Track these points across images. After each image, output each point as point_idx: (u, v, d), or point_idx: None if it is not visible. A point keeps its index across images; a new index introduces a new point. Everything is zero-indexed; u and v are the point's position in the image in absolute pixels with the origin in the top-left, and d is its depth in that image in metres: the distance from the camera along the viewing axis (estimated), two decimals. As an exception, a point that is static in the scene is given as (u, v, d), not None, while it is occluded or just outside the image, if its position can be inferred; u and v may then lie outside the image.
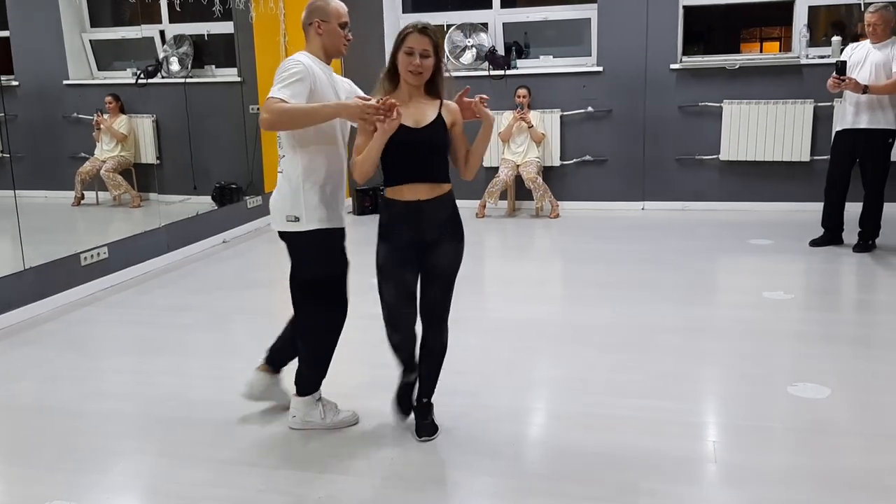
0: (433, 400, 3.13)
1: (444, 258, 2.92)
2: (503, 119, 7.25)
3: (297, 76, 2.82)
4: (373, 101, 2.70)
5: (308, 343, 3.16)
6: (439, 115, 2.87)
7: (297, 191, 2.93)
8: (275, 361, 3.30)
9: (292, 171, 2.95)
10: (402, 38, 2.81)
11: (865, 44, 5.47)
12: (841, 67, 5.34)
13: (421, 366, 3.09)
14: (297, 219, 2.94)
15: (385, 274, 2.91)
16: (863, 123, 5.40)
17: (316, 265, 3.04)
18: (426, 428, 3.08)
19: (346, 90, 3.09)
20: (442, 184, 2.88)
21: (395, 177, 2.85)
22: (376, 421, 3.22)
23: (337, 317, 3.14)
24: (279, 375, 3.32)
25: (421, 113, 2.85)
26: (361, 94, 3.02)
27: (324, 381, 3.20)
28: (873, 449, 2.86)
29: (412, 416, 3.16)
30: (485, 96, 2.91)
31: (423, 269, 2.92)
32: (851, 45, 5.65)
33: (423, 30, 2.79)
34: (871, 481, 2.64)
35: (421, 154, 2.84)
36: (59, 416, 3.35)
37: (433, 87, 2.88)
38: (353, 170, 2.82)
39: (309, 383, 3.18)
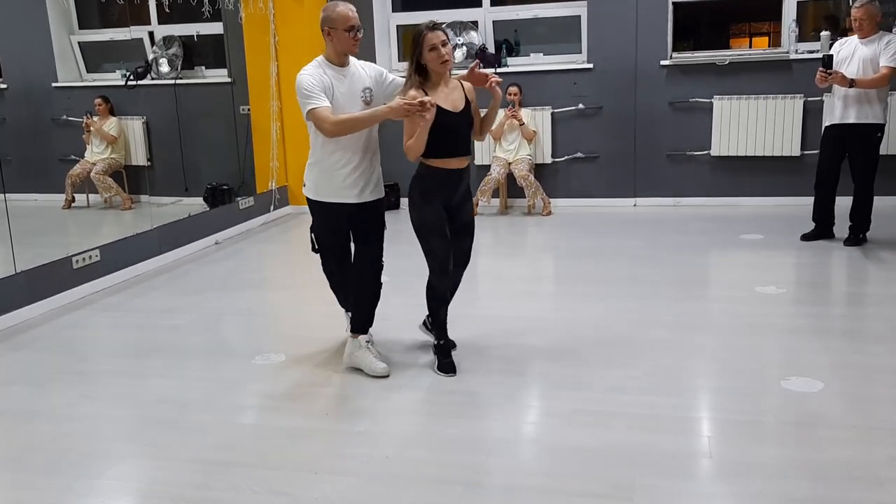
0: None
1: (468, 215, 3.63)
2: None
3: (311, 87, 3.34)
4: (412, 101, 3.25)
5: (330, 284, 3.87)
6: (467, 98, 3.48)
7: (310, 165, 3.60)
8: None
9: (312, 149, 3.58)
10: (421, 40, 3.34)
11: (853, 39, 5.48)
12: (827, 61, 5.35)
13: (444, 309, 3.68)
14: (304, 185, 3.64)
15: (434, 231, 3.49)
16: (851, 118, 5.41)
17: (317, 227, 3.68)
18: (447, 366, 3.62)
19: (373, 77, 3.58)
20: (469, 156, 3.55)
21: (442, 151, 3.42)
22: (371, 420, 3.22)
23: (335, 273, 3.79)
24: (359, 338, 3.68)
25: (455, 98, 3.45)
26: (386, 73, 3.63)
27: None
28: (867, 441, 2.87)
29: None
30: (498, 79, 3.47)
31: (452, 226, 3.53)
32: (840, 41, 5.66)
33: (435, 26, 3.38)
34: (865, 474, 2.65)
35: (462, 132, 3.49)
36: (52, 420, 3.34)
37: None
38: (407, 152, 3.40)
39: (352, 323, 3.74)
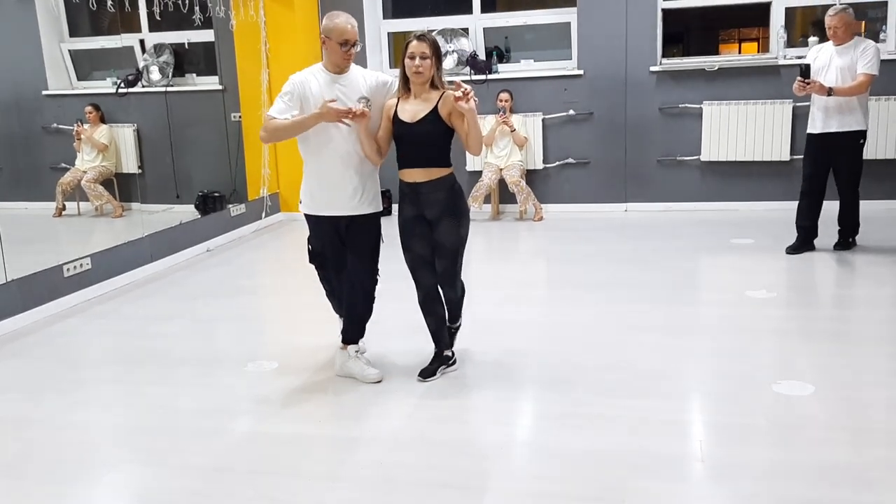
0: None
1: (444, 235, 3.47)
2: (485, 123, 7.27)
3: (284, 93, 3.42)
4: (342, 109, 3.32)
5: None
6: (435, 108, 3.38)
7: (304, 180, 3.61)
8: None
9: (304, 163, 3.58)
10: (405, 47, 3.36)
11: (828, 46, 5.44)
12: (805, 71, 5.29)
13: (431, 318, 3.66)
14: (301, 202, 3.67)
15: (401, 243, 3.55)
16: (834, 127, 5.36)
17: (313, 239, 3.69)
18: (426, 371, 3.62)
19: (372, 86, 3.54)
20: (436, 168, 3.43)
21: (400, 162, 3.47)
22: (366, 426, 3.23)
23: (332, 282, 3.78)
24: (349, 349, 3.71)
25: (419, 108, 3.40)
26: (391, 83, 3.57)
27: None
28: (857, 443, 2.89)
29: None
30: (463, 91, 3.24)
31: (432, 242, 3.49)
32: (815, 48, 5.63)
33: (421, 37, 3.36)
34: (855, 475, 2.67)
35: (414, 144, 3.41)
36: (46, 428, 3.33)
37: (435, 81, 3.42)
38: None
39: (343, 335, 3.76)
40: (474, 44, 7.72)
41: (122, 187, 6.27)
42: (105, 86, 6.30)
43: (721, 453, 2.87)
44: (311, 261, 3.77)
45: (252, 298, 5.32)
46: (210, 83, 7.19)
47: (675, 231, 6.53)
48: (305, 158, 3.58)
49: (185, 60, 6.98)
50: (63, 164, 5.92)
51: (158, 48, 6.74)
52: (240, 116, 7.31)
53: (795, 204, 5.68)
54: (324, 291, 3.91)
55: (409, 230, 3.51)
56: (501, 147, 7.25)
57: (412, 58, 3.33)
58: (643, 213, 7.31)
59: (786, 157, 6.98)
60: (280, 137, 3.52)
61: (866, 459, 2.77)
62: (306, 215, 3.64)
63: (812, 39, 6.84)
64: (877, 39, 6.75)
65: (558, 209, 7.46)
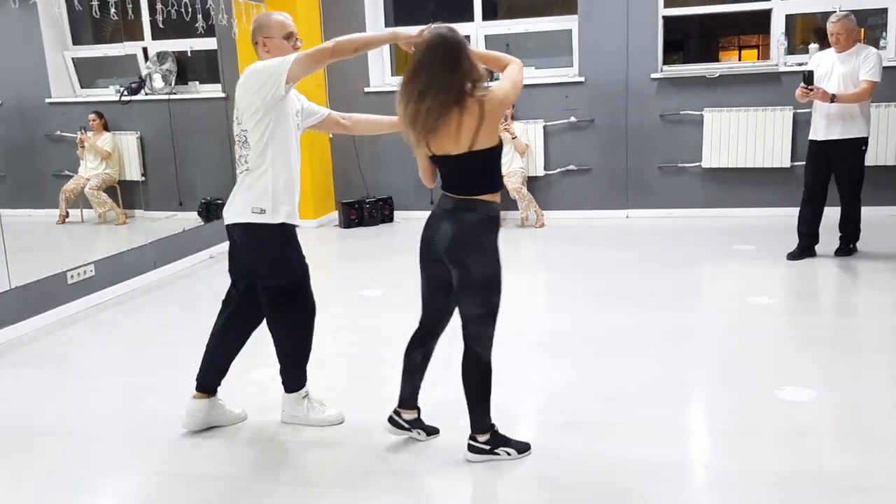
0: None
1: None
2: (487, 130, 7.27)
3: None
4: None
5: (286, 347, 3.25)
6: None
7: (270, 180, 2.96)
8: (207, 386, 3.31)
9: (259, 165, 2.97)
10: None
11: (829, 53, 5.44)
12: (808, 77, 5.29)
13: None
14: (263, 210, 2.97)
15: (500, 287, 2.86)
16: (836, 135, 5.37)
17: (283, 261, 3.08)
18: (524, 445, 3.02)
19: (300, 102, 3.22)
20: None
21: (497, 184, 2.90)
22: (367, 433, 3.23)
23: (308, 317, 3.21)
24: (216, 397, 3.33)
25: None
26: (307, 104, 3.24)
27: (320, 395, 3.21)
28: (861, 450, 2.90)
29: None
30: None
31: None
32: (817, 55, 5.63)
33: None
34: (859, 482, 2.67)
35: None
36: (47, 437, 3.33)
37: None
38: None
39: (292, 381, 3.29)
40: (476, 51, 7.72)
41: (126, 194, 6.28)
42: (108, 94, 6.31)
43: (724, 460, 2.87)
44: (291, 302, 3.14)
45: (255, 305, 5.32)
46: (213, 91, 7.20)
47: (677, 238, 6.54)
48: (280, 159, 3.00)
49: (187, 68, 7.00)
50: (66, 172, 5.93)
51: (161, 56, 6.76)
52: (241, 124, 7.32)
53: (796, 210, 5.69)
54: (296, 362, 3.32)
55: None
56: (503, 154, 7.25)
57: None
58: (644, 219, 7.32)
59: (786, 163, 6.99)
60: (347, 49, 2.87)
61: (870, 465, 2.77)
62: (278, 232, 3.02)
63: (812, 46, 6.86)
64: (877, 46, 6.75)
65: (560, 216, 7.47)
